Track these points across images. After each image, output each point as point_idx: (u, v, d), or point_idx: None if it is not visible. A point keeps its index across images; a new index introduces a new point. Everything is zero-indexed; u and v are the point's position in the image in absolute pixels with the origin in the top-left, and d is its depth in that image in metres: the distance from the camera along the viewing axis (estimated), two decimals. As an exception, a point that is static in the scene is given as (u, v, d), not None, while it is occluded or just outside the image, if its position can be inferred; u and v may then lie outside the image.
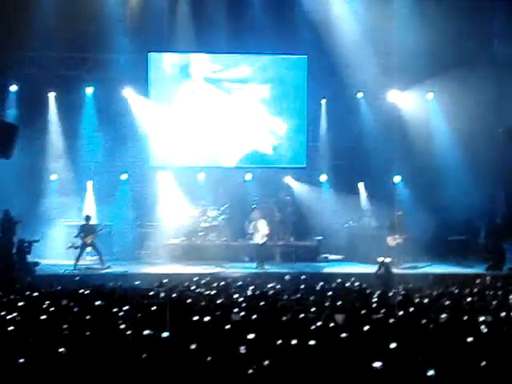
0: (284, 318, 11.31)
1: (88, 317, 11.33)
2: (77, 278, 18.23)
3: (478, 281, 18.16)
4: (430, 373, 7.85)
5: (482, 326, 10.78)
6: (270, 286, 16.60)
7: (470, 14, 22.86)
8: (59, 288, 15.72)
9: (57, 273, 20.50)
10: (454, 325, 10.86)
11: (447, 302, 13.74)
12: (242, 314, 11.76)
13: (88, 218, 22.34)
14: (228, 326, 10.69)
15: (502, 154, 23.48)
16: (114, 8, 23.90)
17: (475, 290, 15.97)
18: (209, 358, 8.64)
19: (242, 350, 8.98)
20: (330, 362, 8.48)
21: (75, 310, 12.38)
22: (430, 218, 23.18)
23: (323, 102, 25.91)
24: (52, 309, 12.53)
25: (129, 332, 10.23)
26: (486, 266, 21.39)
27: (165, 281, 17.22)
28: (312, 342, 9.23)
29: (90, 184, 24.53)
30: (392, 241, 22.32)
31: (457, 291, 15.74)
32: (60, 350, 8.80)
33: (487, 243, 22.42)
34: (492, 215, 23.06)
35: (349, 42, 24.84)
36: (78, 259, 21.52)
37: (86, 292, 14.95)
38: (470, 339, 9.69)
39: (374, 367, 8.18)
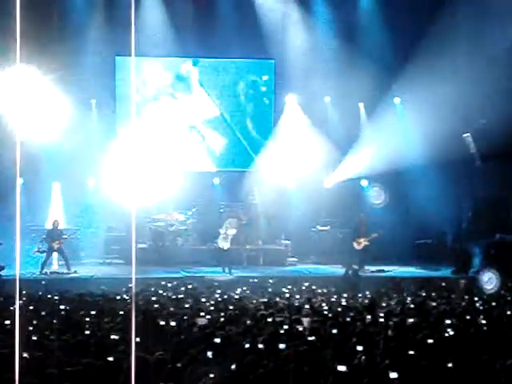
0: (251, 322, 11.33)
1: (54, 321, 11.27)
2: (43, 283, 18.11)
3: (443, 284, 18.32)
4: (393, 375, 7.90)
5: (449, 329, 10.87)
6: (236, 289, 16.65)
7: (432, 16, 23.02)
8: (25, 293, 15.58)
9: (23, 277, 20.33)
10: (420, 328, 10.94)
11: (413, 305, 13.85)
12: (209, 317, 11.78)
13: (55, 222, 22.16)
14: (195, 330, 10.70)
15: (468, 159, 23.65)
16: (82, 10, 23.81)
17: (442, 293, 16.14)
18: (178, 365, 8.62)
19: (209, 354, 8.98)
20: (297, 365, 8.50)
21: (42, 314, 12.31)
22: (396, 222, 23.33)
23: (290, 97, 25.86)
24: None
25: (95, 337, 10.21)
26: (452, 270, 21.57)
27: (132, 285, 17.16)
28: (282, 346, 9.24)
29: (56, 187, 24.27)
30: (357, 245, 22.36)
31: (423, 294, 15.86)
32: (24, 355, 8.72)
33: (454, 247, 22.61)
34: (458, 219, 23.25)
35: (316, 47, 25.04)
36: (44, 264, 21.35)
37: (52, 297, 14.87)
38: (433, 341, 9.77)
39: (339, 370, 8.23)
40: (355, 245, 22.31)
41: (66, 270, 21.35)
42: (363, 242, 22.23)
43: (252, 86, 26.09)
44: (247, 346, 9.52)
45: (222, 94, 25.92)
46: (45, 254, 21.52)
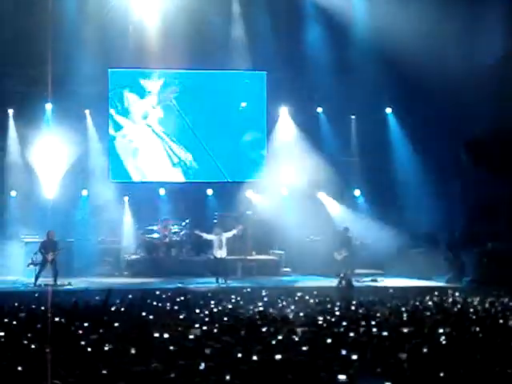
0: (245, 332, 11.32)
1: (48, 333, 11.23)
2: (36, 295, 18.04)
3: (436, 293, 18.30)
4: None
5: (442, 338, 10.88)
6: (231, 300, 16.62)
7: (425, 34, 23.11)
8: (17, 305, 15.54)
9: (17, 289, 20.33)
10: (414, 337, 10.94)
11: (407, 315, 13.85)
12: (204, 328, 11.76)
13: (50, 234, 21.98)
14: (189, 341, 10.68)
15: (461, 168, 23.72)
16: (75, 23, 23.78)
17: (435, 302, 16.12)
18: (172, 375, 8.60)
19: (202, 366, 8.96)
20: (292, 375, 8.50)
21: (37, 326, 12.26)
22: (390, 232, 23.37)
23: (283, 110, 25.98)
24: (13, 323, 12.46)
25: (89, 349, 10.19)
26: (446, 279, 21.60)
27: (129, 296, 17.18)
28: (278, 357, 9.22)
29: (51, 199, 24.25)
30: (338, 255, 22.63)
31: (417, 304, 15.84)
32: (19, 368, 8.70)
33: (447, 256, 22.63)
34: (451, 228, 23.28)
35: (309, 59, 25.09)
36: (38, 276, 21.29)
37: (46, 309, 14.81)
38: (428, 350, 9.77)
39: (339, 380, 8.22)
40: (336, 255, 22.55)
41: (53, 282, 21.21)
42: (343, 253, 22.45)
43: (244, 97, 26.10)
44: (239, 355, 9.52)
45: (212, 105, 25.87)
46: (38, 266, 21.48)
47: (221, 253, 22.24)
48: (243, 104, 25.96)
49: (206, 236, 22.68)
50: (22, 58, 23.50)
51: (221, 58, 24.93)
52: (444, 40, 22.61)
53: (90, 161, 24.80)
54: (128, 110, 25.53)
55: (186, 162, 25.74)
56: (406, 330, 11.67)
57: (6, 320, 12.99)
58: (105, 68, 24.71)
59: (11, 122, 24.45)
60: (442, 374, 8.45)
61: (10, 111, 24.49)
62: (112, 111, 25.34)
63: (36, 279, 21.22)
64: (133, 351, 9.88)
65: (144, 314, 14.00)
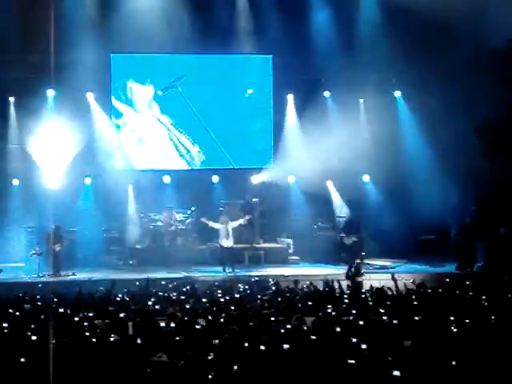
0: (253, 322, 11.15)
1: (53, 324, 11.06)
2: (40, 286, 17.91)
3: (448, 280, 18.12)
4: (396, 373, 7.74)
5: (453, 326, 10.70)
6: (238, 289, 16.48)
7: (435, 15, 22.84)
8: (21, 295, 15.41)
9: (21, 280, 20.20)
10: (425, 325, 10.76)
11: (416, 302, 13.67)
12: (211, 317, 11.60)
13: (58, 227, 21.81)
14: (196, 330, 10.52)
15: (471, 153, 23.47)
16: (76, 8, 23.57)
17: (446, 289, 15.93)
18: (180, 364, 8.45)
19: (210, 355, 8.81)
20: (300, 364, 8.33)
21: (41, 317, 12.13)
22: (400, 218, 23.21)
23: (289, 97, 25.81)
24: (17, 314, 12.33)
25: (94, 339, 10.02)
26: (457, 265, 21.43)
27: (136, 284, 17.07)
28: (286, 346, 9.06)
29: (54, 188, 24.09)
30: (347, 240, 22.57)
31: (428, 291, 15.65)
32: (22, 359, 8.56)
33: (458, 242, 22.44)
34: (462, 214, 23.08)
35: (315, 42, 24.89)
36: (55, 266, 21.14)
37: (51, 299, 14.68)
38: (439, 339, 9.60)
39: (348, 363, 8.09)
40: (345, 239, 22.51)
41: (56, 273, 21.14)
42: (353, 238, 22.39)
43: (250, 81, 25.87)
44: (247, 345, 9.35)
45: (218, 91, 25.60)
46: (43, 257, 21.32)
47: (227, 242, 22.08)
48: (249, 91, 25.72)
49: (212, 224, 22.46)
50: (22, 44, 23.27)
51: (226, 41, 24.67)
52: (454, 20, 22.32)
53: (93, 148, 24.59)
54: (132, 100, 25.28)
55: (191, 150, 25.50)
56: (416, 318, 11.51)
57: (10, 311, 12.86)
58: (107, 53, 24.46)
59: (12, 111, 24.25)
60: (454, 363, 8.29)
61: (11, 99, 24.27)
62: (115, 101, 25.09)
63: (57, 270, 21.13)
64: (139, 341, 9.74)
65: (150, 303, 13.87)
